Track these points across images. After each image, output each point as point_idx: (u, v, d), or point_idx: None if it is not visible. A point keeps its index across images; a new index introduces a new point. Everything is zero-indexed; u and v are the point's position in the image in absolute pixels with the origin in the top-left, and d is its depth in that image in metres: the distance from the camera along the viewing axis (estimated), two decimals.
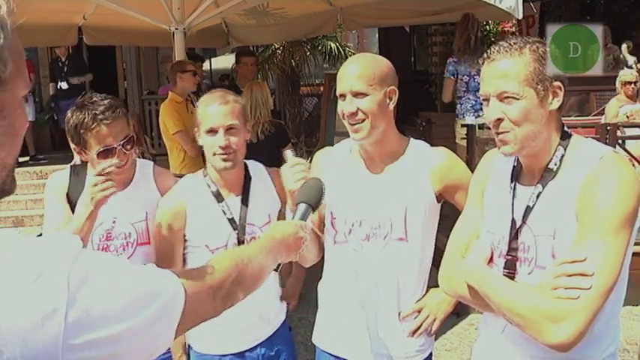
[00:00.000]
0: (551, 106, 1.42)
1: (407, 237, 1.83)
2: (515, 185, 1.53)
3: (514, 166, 1.56)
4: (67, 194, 2.13)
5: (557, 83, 1.41)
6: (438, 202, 1.88)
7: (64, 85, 8.83)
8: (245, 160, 2.15)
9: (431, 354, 1.95)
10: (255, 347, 2.12)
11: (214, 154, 1.99)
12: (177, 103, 4.72)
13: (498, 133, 1.45)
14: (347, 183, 1.89)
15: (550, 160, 1.45)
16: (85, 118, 2.00)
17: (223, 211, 2.05)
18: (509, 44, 1.43)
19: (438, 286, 1.93)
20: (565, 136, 1.47)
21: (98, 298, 0.82)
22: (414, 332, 1.87)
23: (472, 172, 1.79)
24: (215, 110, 1.98)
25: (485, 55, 1.48)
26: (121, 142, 2.03)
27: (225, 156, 1.98)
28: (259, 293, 2.07)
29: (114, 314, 0.84)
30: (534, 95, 1.40)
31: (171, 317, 0.95)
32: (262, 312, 2.11)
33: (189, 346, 2.14)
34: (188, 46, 4.88)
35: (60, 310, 0.77)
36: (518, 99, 1.40)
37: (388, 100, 1.82)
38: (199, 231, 2.04)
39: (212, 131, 1.98)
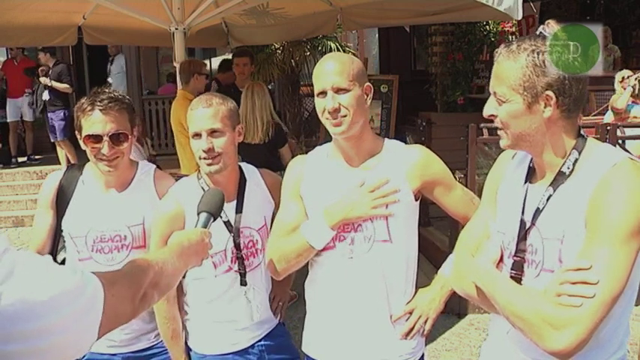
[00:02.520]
0: (544, 114, 1.41)
1: (390, 238, 1.82)
2: (527, 186, 1.53)
3: (529, 167, 1.56)
4: (57, 196, 2.15)
5: (549, 93, 1.39)
6: (416, 200, 1.87)
7: (45, 95, 8.39)
8: (239, 163, 2.14)
9: (423, 355, 1.95)
10: (255, 344, 2.13)
11: (200, 158, 2.00)
12: (190, 101, 4.71)
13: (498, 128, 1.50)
14: (328, 188, 1.87)
15: (563, 164, 1.44)
16: (85, 103, 2.05)
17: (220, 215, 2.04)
18: (513, 47, 1.44)
19: (429, 283, 1.94)
20: (581, 140, 1.46)
21: (24, 291, 0.85)
22: (408, 334, 1.86)
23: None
24: (199, 114, 1.99)
25: (495, 51, 1.50)
26: (109, 133, 2.03)
27: (209, 160, 1.98)
28: (260, 302, 2.09)
29: (41, 307, 0.87)
30: (521, 101, 1.42)
31: (94, 315, 0.98)
32: (261, 317, 2.13)
33: (190, 348, 2.14)
34: (188, 46, 4.87)
35: None
36: (505, 101, 1.43)
37: (365, 96, 1.82)
38: None
39: (197, 135, 1.99)
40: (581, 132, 1.48)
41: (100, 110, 2.02)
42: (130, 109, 2.13)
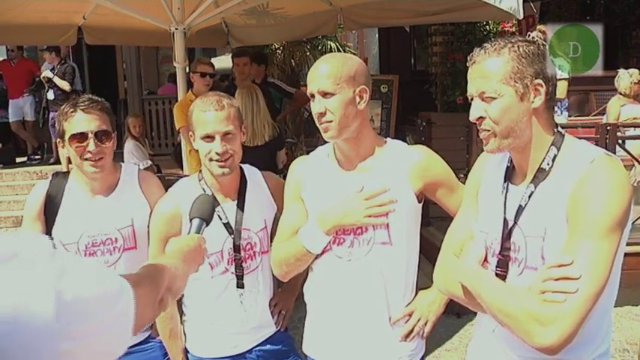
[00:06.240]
0: (533, 104, 1.43)
1: (391, 240, 1.80)
2: (507, 185, 1.54)
3: (507, 167, 1.57)
4: (45, 206, 2.14)
5: (539, 81, 1.42)
6: (419, 201, 1.85)
7: (50, 95, 8.44)
8: (241, 164, 2.13)
9: (423, 357, 1.94)
10: (252, 349, 2.12)
11: (211, 160, 1.98)
12: (191, 101, 4.73)
13: (482, 131, 1.49)
14: (327, 189, 1.86)
15: (543, 160, 1.46)
16: (65, 107, 2.07)
17: (219, 215, 2.02)
18: (490, 46, 1.46)
19: (430, 284, 1.93)
20: (558, 136, 1.48)
21: (76, 291, 0.85)
22: (407, 336, 1.86)
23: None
24: (211, 116, 1.95)
25: (469, 57, 1.51)
26: (95, 131, 2.04)
27: (222, 162, 1.97)
28: (256, 307, 2.07)
29: (88, 307, 0.87)
30: (513, 93, 1.42)
31: (130, 317, 0.97)
32: (257, 322, 2.11)
33: (187, 350, 2.14)
34: (188, 46, 4.87)
35: (48, 300, 0.80)
36: (496, 97, 1.43)
37: (359, 99, 1.78)
38: None
39: (209, 137, 1.96)
40: (558, 128, 1.50)
41: (82, 110, 2.04)
42: (110, 112, 2.14)
